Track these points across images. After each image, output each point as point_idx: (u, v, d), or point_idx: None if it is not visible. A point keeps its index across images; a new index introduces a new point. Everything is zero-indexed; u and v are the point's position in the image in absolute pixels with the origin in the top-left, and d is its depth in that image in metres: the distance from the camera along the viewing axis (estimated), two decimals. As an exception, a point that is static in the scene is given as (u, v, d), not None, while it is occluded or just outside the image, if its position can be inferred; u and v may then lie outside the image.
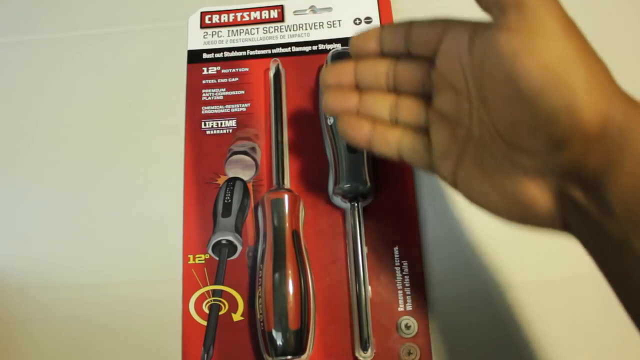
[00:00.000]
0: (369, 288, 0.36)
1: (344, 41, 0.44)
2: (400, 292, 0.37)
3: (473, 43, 0.26)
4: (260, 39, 0.45)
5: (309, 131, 0.41)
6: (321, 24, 0.45)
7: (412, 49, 0.30)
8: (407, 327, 0.36)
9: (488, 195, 0.27)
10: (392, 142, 0.31)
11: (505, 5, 0.23)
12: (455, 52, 0.27)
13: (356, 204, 0.37)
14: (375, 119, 0.31)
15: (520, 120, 0.24)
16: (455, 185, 0.29)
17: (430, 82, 0.29)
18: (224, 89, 0.43)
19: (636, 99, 0.23)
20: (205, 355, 0.36)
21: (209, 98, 0.43)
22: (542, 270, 0.37)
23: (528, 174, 0.25)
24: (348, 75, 0.32)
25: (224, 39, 0.45)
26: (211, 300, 0.37)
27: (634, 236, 0.21)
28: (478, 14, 0.26)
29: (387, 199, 0.39)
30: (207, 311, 0.37)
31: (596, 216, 0.23)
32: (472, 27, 0.26)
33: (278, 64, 0.42)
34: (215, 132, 0.42)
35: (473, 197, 0.28)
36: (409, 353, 0.35)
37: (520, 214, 0.26)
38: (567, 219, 0.24)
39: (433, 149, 0.29)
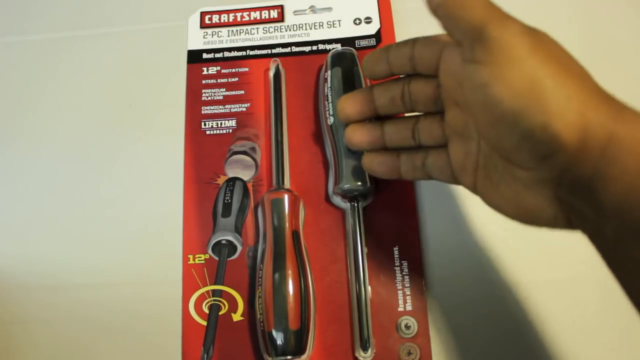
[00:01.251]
0: (369, 288, 0.36)
1: (344, 41, 0.44)
2: (400, 292, 0.37)
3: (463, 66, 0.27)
4: (260, 39, 0.45)
5: (309, 131, 0.41)
6: (321, 24, 0.45)
7: (418, 68, 0.31)
8: (407, 327, 0.36)
9: (499, 203, 0.28)
10: (419, 164, 0.33)
11: (470, 40, 0.25)
12: (452, 71, 0.28)
13: (356, 204, 0.37)
14: (400, 147, 0.33)
15: (505, 141, 0.25)
16: (477, 194, 0.30)
17: (440, 98, 0.31)
18: (224, 89, 0.43)
19: (623, 102, 0.24)
20: (205, 355, 0.36)
21: (209, 98, 0.43)
22: (542, 270, 0.37)
23: (526, 184, 0.26)
24: (366, 103, 0.33)
25: (224, 39, 0.45)
26: (211, 300, 0.37)
27: (628, 238, 0.23)
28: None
29: (387, 199, 0.39)
30: (207, 311, 0.37)
31: (593, 220, 0.24)
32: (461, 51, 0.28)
33: (278, 64, 0.42)
34: (215, 132, 0.42)
35: (491, 205, 0.29)
36: (409, 353, 0.35)
37: (529, 219, 0.27)
38: (570, 220, 0.26)
39: (452, 164, 0.31)
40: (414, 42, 0.30)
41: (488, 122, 0.25)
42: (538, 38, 0.24)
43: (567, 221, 0.26)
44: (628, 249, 0.23)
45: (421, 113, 0.33)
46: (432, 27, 0.27)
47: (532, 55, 0.23)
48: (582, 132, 0.23)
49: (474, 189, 0.30)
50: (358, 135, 0.34)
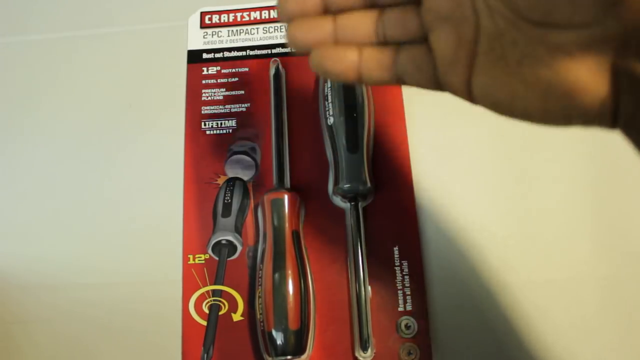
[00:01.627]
0: (369, 288, 0.36)
1: (344, 41, 0.44)
2: (400, 292, 0.37)
3: None
4: (260, 39, 0.45)
5: (309, 131, 0.41)
6: (321, 24, 0.45)
7: None
8: (407, 327, 0.36)
9: (516, 94, 0.22)
10: (387, 63, 0.25)
11: None
12: None
13: (356, 204, 0.37)
14: (360, 43, 0.26)
15: None
16: (470, 96, 0.24)
17: None
18: (224, 89, 0.43)
19: None
20: (205, 355, 0.36)
21: (209, 98, 0.43)
22: (542, 270, 0.37)
23: (572, 54, 0.20)
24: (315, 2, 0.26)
25: (224, 39, 0.45)
26: (211, 300, 0.37)
27: None
28: None
29: (387, 199, 0.39)
30: (207, 311, 0.37)
31: None
32: None
33: (278, 64, 0.42)
34: (215, 132, 0.42)
35: (497, 102, 0.23)
36: (409, 353, 0.35)
37: (563, 108, 0.21)
38: (623, 106, 0.20)
39: (437, 59, 0.24)
40: None
41: None
42: None
43: (616, 109, 0.20)
44: None
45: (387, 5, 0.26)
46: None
47: None
48: None
49: (467, 89, 0.24)
50: (301, 32, 0.26)
